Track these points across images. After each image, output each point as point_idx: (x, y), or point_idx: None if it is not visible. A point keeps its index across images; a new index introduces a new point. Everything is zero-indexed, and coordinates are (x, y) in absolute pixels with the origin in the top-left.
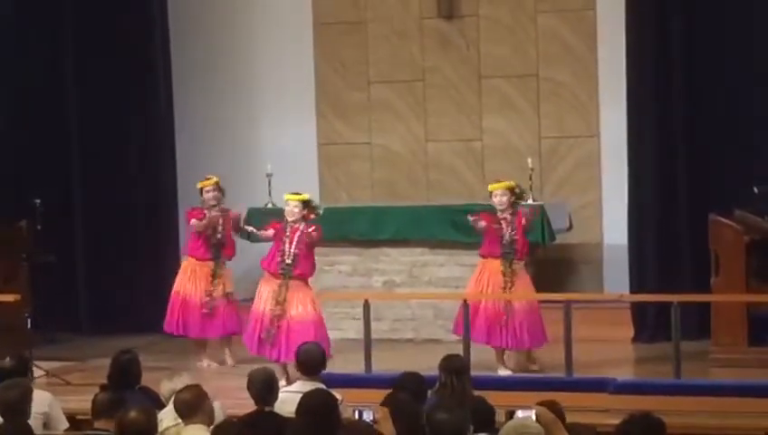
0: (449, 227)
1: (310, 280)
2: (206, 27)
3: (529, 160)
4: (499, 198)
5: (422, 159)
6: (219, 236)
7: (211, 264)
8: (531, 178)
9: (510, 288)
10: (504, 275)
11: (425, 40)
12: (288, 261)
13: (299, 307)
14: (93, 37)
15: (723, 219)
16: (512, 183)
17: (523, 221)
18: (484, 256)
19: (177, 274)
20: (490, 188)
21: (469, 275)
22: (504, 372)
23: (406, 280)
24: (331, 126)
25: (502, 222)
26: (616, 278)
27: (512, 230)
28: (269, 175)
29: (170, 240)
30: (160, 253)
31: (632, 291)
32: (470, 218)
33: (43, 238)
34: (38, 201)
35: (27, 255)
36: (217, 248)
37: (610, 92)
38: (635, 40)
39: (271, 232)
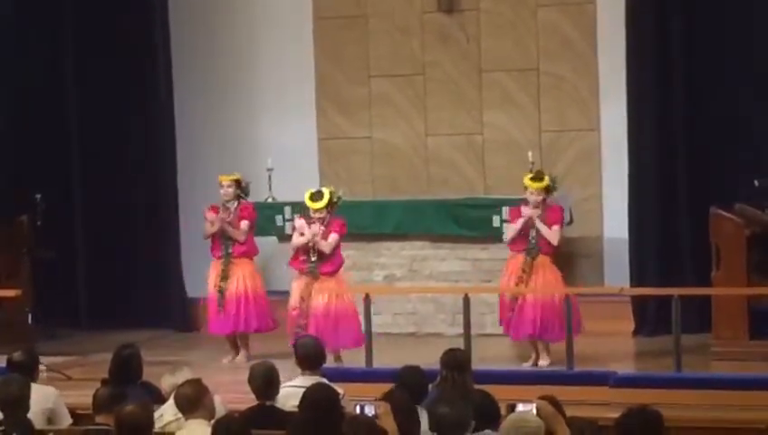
0: (450, 222)
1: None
2: (206, 24)
3: (529, 154)
4: (535, 197)
5: (422, 153)
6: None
7: (222, 262)
8: (531, 172)
9: (527, 282)
10: (522, 269)
11: (425, 34)
12: (313, 259)
13: (323, 301)
14: (93, 37)
15: (723, 213)
16: (547, 183)
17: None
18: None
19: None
20: (526, 183)
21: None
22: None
23: (406, 274)
24: (331, 121)
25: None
26: (616, 272)
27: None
28: (269, 170)
29: (170, 240)
30: (160, 253)
31: (633, 284)
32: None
33: (44, 236)
34: (39, 196)
35: (28, 249)
36: (226, 247)
37: (611, 86)
38: (635, 34)
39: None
